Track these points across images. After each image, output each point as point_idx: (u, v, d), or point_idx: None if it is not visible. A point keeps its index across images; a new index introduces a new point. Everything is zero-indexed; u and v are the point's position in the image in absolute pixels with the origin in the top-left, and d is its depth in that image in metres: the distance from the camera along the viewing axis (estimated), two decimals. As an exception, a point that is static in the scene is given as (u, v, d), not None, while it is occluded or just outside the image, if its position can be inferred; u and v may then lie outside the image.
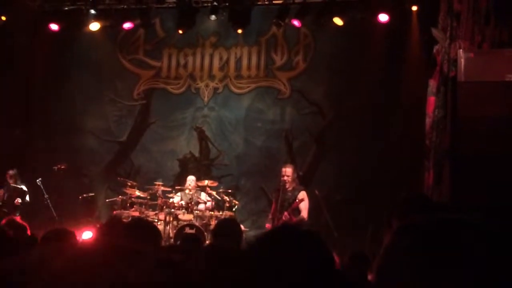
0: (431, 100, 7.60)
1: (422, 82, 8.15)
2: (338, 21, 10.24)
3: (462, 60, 6.92)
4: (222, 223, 5.22)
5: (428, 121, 7.67)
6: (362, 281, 4.38)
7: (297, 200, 8.15)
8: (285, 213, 8.10)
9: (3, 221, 5.46)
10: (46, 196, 9.80)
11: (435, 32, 7.63)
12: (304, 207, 8.24)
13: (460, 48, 7.06)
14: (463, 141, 6.86)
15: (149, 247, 3.26)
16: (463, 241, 1.14)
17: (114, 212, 10.05)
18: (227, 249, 3.34)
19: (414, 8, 9.60)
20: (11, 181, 9.94)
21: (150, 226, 3.79)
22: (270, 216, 8.60)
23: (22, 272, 3.28)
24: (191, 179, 10.07)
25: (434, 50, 7.68)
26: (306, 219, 8.21)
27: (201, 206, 9.83)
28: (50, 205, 9.79)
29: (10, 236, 4.21)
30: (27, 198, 9.98)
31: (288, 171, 8.52)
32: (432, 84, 7.60)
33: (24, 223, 5.52)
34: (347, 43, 10.51)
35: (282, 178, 8.42)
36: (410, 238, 1.22)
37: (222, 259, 2.71)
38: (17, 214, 9.56)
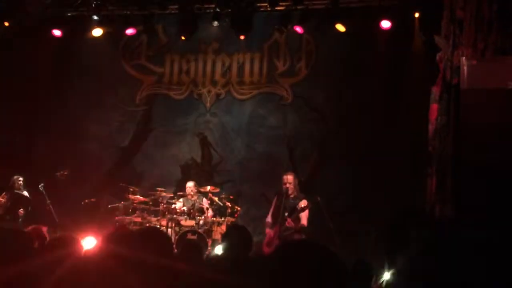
0: (434, 107, 7.61)
1: (425, 89, 8.16)
2: (340, 27, 10.27)
3: (465, 68, 6.92)
4: (231, 230, 5.24)
5: (431, 128, 7.67)
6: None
7: (303, 206, 8.17)
8: (289, 219, 8.13)
9: (29, 228, 5.46)
10: (48, 201, 9.79)
11: (437, 39, 7.65)
12: (304, 215, 8.29)
13: (463, 55, 7.07)
14: (466, 148, 6.86)
15: (162, 257, 3.27)
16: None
17: (116, 217, 10.06)
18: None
19: (417, 15, 9.63)
20: (15, 187, 9.95)
21: (162, 235, 3.79)
22: (269, 220, 8.61)
23: (28, 278, 3.29)
24: (190, 185, 10.07)
25: (437, 57, 7.69)
26: (306, 226, 8.25)
27: (210, 213, 9.81)
28: (53, 211, 9.78)
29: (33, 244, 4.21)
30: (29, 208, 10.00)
31: (289, 178, 8.56)
32: (435, 91, 7.61)
33: (47, 235, 5.52)
34: (349, 50, 10.52)
35: (284, 186, 8.45)
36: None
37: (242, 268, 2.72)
38: (19, 221, 9.58)
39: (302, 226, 8.21)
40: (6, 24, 10.84)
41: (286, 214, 8.18)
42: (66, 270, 3.32)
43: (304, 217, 8.24)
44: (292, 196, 8.41)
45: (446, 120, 7.23)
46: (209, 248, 9.17)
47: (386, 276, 4.92)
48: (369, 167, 9.77)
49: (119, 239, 3.98)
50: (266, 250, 8.29)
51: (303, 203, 8.27)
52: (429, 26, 8.68)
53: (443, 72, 7.47)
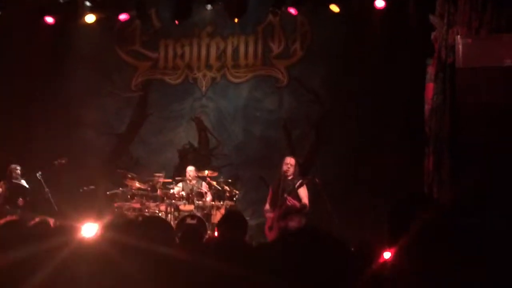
0: (430, 86, 7.61)
1: (420, 69, 8.15)
2: (334, 8, 10.21)
3: (460, 46, 6.91)
4: (227, 215, 5.25)
5: (427, 107, 7.68)
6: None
7: (300, 181, 8.14)
8: (289, 198, 8.08)
9: (36, 220, 5.47)
10: (46, 190, 9.79)
11: (432, 18, 7.62)
12: (304, 194, 8.26)
13: (457, 34, 7.06)
14: (462, 127, 6.88)
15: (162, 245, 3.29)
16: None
17: (115, 204, 10.08)
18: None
19: (411, -6, 9.57)
20: (13, 177, 9.94)
21: (164, 224, 3.81)
22: (267, 207, 8.60)
23: (31, 262, 3.33)
24: (190, 170, 10.09)
25: (432, 37, 7.67)
26: (307, 205, 8.24)
27: (208, 198, 9.83)
28: (51, 199, 9.79)
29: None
30: (28, 192, 9.99)
31: (292, 160, 8.56)
32: (431, 70, 7.60)
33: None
34: (344, 30, 10.46)
35: (285, 166, 8.43)
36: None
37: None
38: (18, 211, 9.58)
39: (304, 205, 8.17)
40: (-2, 12, 10.75)
41: (285, 194, 8.15)
42: (65, 257, 3.36)
43: (304, 196, 8.22)
44: (290, 177, 8.40)
45: (442, 100, 7.23)
46: (208, 232, 9.21)
47: (386, 255, 4.98)
48: (367, 148, 9.78)
49: (119, 227, 4.02)
50: (268, 234, 8.31)
51: (305, 194, 8.26)
52: (424, 5, 8.64)
53: (438, 51, 7.45)
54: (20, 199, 9.82)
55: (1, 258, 3.48)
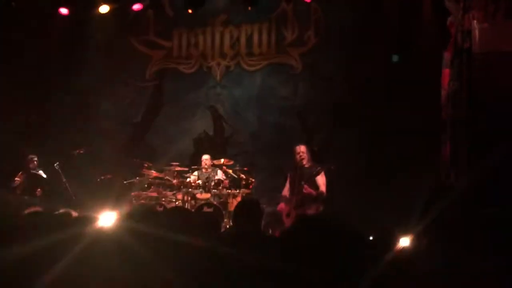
0: (446, 72, 7.57)
1: (436, 54, 8.10)
2: (348, -6, 10.17)
3: (477, 31, 6.88)
4: (242, 204, 5.28)
5: (443, 93, 7.64)
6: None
7: (318, 169, 8.18)
8: (305, 186, 8.12)
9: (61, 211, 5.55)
10: (64, 180, 9.89)
11: (448, 3, 7.56)
12: (322, 182, 8.29)
13: (474, 19, 7.00)
14: (479, 112, 6.85)
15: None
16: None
17: (132, 193, 10.16)
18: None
19: (426, -22, 9.48)
20: (30, 167, 10.06)
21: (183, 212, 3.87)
22: (285, 194, 8.63)
23: (53, 251, 3.41)
24: (205, 158, 10.14)
25: (448, 22, 7.61)
26: (325, 193, 8.26)
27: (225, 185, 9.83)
28: (69, 189, 9.89)
29: None
30: (46, 182, 10.08)
31: (302, 148, 8.57)
32: (447, 56, 7.56)
33: None
34: (357, 16, 10.40)
35: (298, 156, 8.45)
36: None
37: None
38: (37, 202, 9.69)
39: (321, 193, 8.21)
40: (13, 4, 10.78)
41: (303, 182, 8.17)
42: (85, 247, 3.43)
43: (322, 183, 8.24)
44: (307, 166, 8.42)
45: (458, 85, 7.19)
46: (225, 220, 9.27)
47: (404, 242, 5.00)
48: (382, 134, 9.75)
49: (138, 216, 4.08)
50: (286, 221, 8.34)
51: (322, 181, 8.28)
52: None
53: (454, 36, 7.40)
54: (38, 189, 9.94)
55: (25, 247, 3.57)
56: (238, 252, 2.71)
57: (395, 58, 9.63)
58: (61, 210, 5.39)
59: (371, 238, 4.79)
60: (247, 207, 4.98)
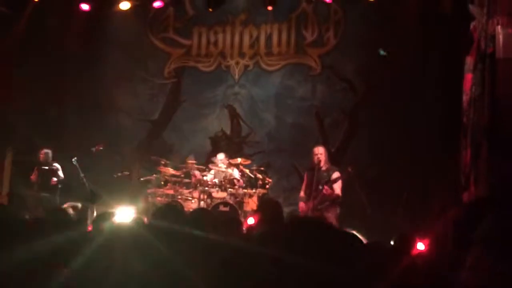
0: (468, 77, 7.50)
1: (459, 59, 8.04)
2: (369, -4, 10.12)
3: (501, 37, 6.79)
4: (264, 205, 5.29)
5: (465, 98, 7.58)
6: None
7: (336, 177, 8.17)
8: (325, 187, 8.10)
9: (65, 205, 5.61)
10: (82, 175, 9.92)
11: (472, 8, 7.49)
12: (338, 186, 8.28)
13: (498, 24, 6.93)
14: (501, 118, 6.78)
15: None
16: None
17: (148, 190, 10.20)
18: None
19: (448, -19, 9.40)
20: (43, 161, 10.06)
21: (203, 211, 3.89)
22: (302, 195, 8.62)
23: (74, 243, 3.47)
24: (221, 157, 10.12)
25: (471, 27, 7.55)
26: (340, 196, 8.25)
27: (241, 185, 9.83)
28: (87, 184, 9.93)
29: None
30: (61, 174, 10.08)
31: (320, 149, 8.56)
32: (469, 61, 7.50)
33: None
34: (378, 19, 10.36)
35: (316, 157, 8.44)
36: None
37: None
38: (57, 195, 9.73)
39: (337, 196, 8.20)
40: (36, 0, 10.87)
41: (320, 187, 8.16)
42: (102, 243, 3.47)
43: (337, 187, 8.24)
44: (324, 168, 8.40)
45: (481, 91, 7.12)
46: (241, 219, 9.25)
47: (420, 246, 4.98)
48: (401, 137, 9.69)
49: (155, 213, 4.11)
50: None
51: (336, 174, 8.28)
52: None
53: (477, 41, 7.34)
54: (54, 179, 9.91)
55: (45, 243, 3.62)
56: (263, 249, 2.72)
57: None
58: (65, 205, 5.47)
59: (392, 242, 4.79)
60: (271, 207, 5.01)
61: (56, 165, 10.16)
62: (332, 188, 8.15)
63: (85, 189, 9.96)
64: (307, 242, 2.35)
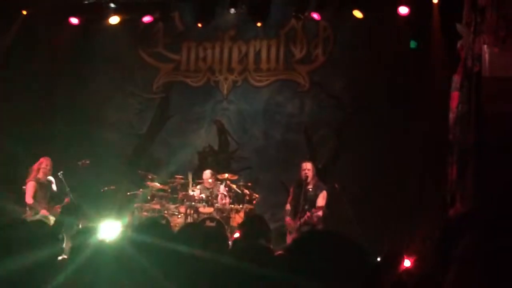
0: (455, 95, 7.56)
1: (445, 77, 8.11)
2: (358, 13, 10.20)
3: (486, 55, 6.88)
4: (250, 222, 5.27)
5: (451, 116, 7.63)
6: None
7: (321, 206, 8.19)
8: (308, 214, 8.13)
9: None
10: (68, 189, 9.81)
11: (459, 27, 7.58)
12: (322, 196, 8.29)
13: (484, 43, 7.01)
14: (487, 136, 6.84)
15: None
16: None
17: (135, 205, 10.14)
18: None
19: (435, 0, 9.50)
20: (40, 174, 9.91)
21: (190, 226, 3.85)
22: (288, 207, 8.62)
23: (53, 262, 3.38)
24: (207, 173, 10.09)
25: (458, 45, 7.63)
26: (323, 206, 8.25)
27: (227, 200, 9.82)
28: (72, 198, 9.82)
29: None
30: (54, 187, 9.95)
31: (308, 165, 8.58)
32: (456, 79, 7.56)
33: None
34: (367, 36, 10.46)
35: (303, 172, 8.45)
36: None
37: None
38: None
39: (319, 207, 8.18)
40: (24, 12, 10.86)
41: (306, 207, 8.18)
42: (87, 257, 3.41)
43: (322, 198, 8.27)
44: (310, 186, 8.40)
45: (467, 108, 7.19)
46: (227, 234, 9.22)
47: (406, 263, 4.98)
48: (388, 154, 9.74)
49: (141, 227, 4.06)
50: (289, 238, 8.32)
51: (322, 196, 8.28)
52: (449, 12, 8.60)
53: (464, 60, 7.41)
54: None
55: (26, 258, 3.54)
56: (246, 266, 2.68)
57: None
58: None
59: (378, 259, 4.78)
60: (257, 222, 4.99)
61: (49, 177, 10.02)
62: (314, 217, 8.16)
63: (70, 203, 9.87)
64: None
